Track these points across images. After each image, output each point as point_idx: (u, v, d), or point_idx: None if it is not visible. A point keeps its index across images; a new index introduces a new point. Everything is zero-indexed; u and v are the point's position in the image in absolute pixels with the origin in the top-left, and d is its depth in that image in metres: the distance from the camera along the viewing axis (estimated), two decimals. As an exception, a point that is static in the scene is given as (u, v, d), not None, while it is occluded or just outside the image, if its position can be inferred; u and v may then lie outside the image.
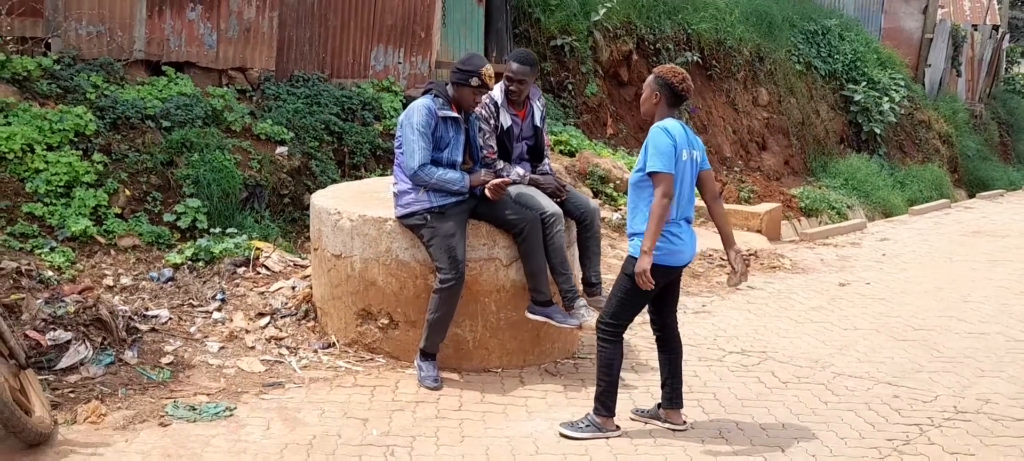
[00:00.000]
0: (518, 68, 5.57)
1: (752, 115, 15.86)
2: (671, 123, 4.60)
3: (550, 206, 5.45)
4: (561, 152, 11.09)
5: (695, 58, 14.49)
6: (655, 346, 4.97)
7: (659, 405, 4.94)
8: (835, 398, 5.38)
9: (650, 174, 4.50)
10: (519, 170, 5.61)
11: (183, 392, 5.02)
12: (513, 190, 5.55)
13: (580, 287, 5.68)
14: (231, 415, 4.78)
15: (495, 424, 4.81)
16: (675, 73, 4.65)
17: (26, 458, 4.18)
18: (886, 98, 17.77)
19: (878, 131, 17.61)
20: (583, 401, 5.17)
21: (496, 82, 5.49)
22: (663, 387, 4.92)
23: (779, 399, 5.33)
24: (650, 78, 4.73)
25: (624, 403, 5.14)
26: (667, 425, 4.87)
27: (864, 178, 15.71)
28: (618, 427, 4.75)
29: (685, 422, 4.90)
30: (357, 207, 5.68)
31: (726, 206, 11.40)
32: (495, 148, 5.60)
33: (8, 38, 7.33)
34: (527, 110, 5.72)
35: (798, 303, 7.75)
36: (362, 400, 5.05)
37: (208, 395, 5.01)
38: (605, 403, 4.73)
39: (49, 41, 7.65)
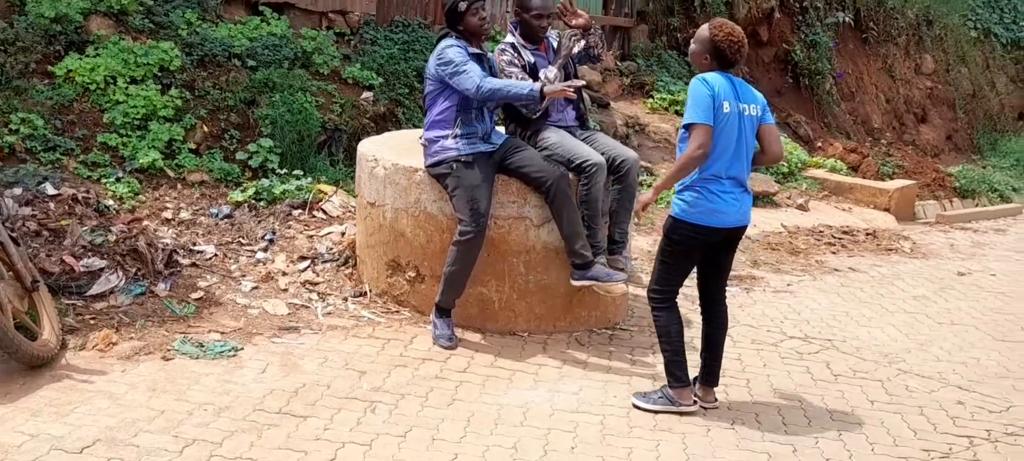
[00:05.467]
0: (541, 3, 5.28)
1: (913, 84, 14.62)
2: (713, 75, 4.22)
3: (593, 156, 5.10)
4: (680, 114, 10.56)
5: (847, 19, 13.45)
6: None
7: (696, 380, 4.57)
8: (887, 398, 4.80)
9: (685, 127, 4.20)
10: (550, 72, 5.19)
11: (200, 328, 5.05)
12: (553, 137, 5.25)
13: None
14: (235, 355, 4.77)
15: (494, 390, 4.57)
16: (730, 40, 4.20)
17: (22, 378, 4.31)
18: (1077, 71, 15.97)
19: (1064, 108, 15.88)
20: (601, 375, 4.85)
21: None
22: (701, 362, 4.57)
23: (820, 393, 4.81)
24: (704, 32, 4.30)
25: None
26: (697, 401, 4.50)
27: (1039, 159, 14.18)
28: (695, 401, 4.45)
29: (716, 400, 4.54)
30: (395, 155, 5.53)
31: (860, 180, 10.58)
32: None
33: (111, -27, 7.59)
34: (546, 45, 5.41)
35: (900, 291, 7.02)
36: (370, 353, 4.92)
37: (222, 333, 5.02)
38: (673, 373, 4.44)
39: (149, -22, 7.88)
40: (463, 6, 5.03)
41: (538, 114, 5.24)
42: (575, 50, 5.35)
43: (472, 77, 4.88)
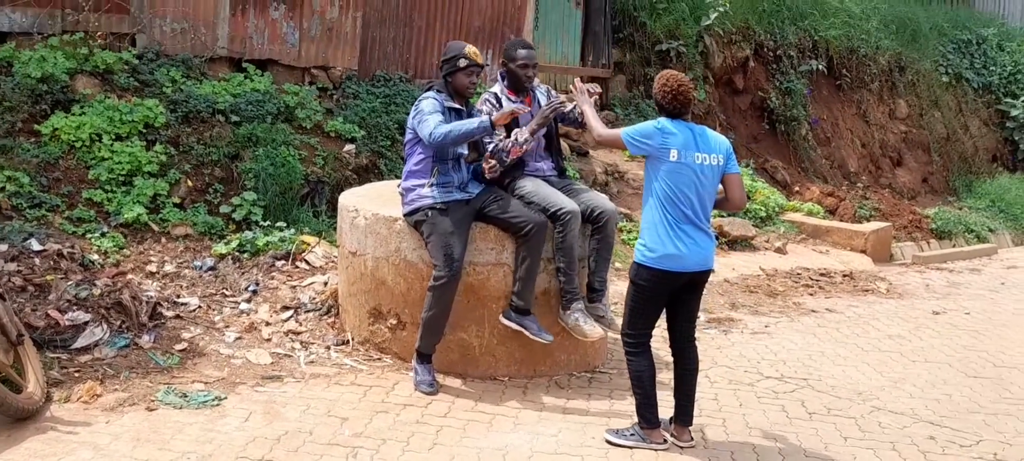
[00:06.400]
0: (526, 53, 5.47)
1: (887, 128, 14.88)
2: (673, 123, 4.44)
3: (568, 204, 5.24)
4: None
5: (820, 66, 13.73)
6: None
7: (671, 419, 4.69)
8: (860, 434, 4.90)
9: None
10: (525, 133, 5.33)
11: (183, 379, 5.11)
12: (529, 185, 5.38)
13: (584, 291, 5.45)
14: (218, 404, 4.83)
15: (474, 434, 4.65)
16: (663, 90, 4.50)
17: (7, 431, 4.35)
18: (1050, 114, 16.30)
19: (1037, 149, 16.18)
20: (579, 417, 4.93)
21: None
22: (675, 402, 4.69)
23: (795, 431, 4.90)
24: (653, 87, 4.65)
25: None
26: (673, 440, 4.61)
27: (1014, 200, 14.40)
28: (665, 439, 4.57)
29: (692, 439, 4.64)
30: (375, 205, 5.65)
31: (837, 223, 10.76)
32: (503, 135, 5.44)
33: (97, 33, 7.74)
34: (531, 98, 5.56)
35: (875, 330, 7.14)
36: (352, 399, 4.99)
37: (205, 384, 5.08)
38: (644, 416, 4.60)
39: (135, 36, 8.03)
40: (462, 63, 5.21)
41: (503, 154, 5.31)
42: (566, 109, 5.48)
43: (428, 124, 5.06)
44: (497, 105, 5.43)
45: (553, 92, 5.66)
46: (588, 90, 5.10)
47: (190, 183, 7.24)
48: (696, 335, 4.75)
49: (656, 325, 4.65)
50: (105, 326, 5.40)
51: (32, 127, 6.97)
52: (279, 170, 7.45)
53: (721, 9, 12.28)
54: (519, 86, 5.48)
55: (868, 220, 11.50)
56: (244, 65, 8.54)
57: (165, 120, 7.41)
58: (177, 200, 7.09)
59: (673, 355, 4.72)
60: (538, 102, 5.55)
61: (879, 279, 9.10)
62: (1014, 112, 16.20)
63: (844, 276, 9.05)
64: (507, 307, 5.25)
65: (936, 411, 5.32)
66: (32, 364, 4.69)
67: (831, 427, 4.98)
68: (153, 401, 4.79)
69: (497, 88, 5.52)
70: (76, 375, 5.01)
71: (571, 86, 5.14)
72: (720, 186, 4.58)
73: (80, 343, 5.26)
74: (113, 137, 7.09)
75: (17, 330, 4.65)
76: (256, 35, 8.57)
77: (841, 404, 5.35)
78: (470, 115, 5.33)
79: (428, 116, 5.08)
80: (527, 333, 5.17)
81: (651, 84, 11.89)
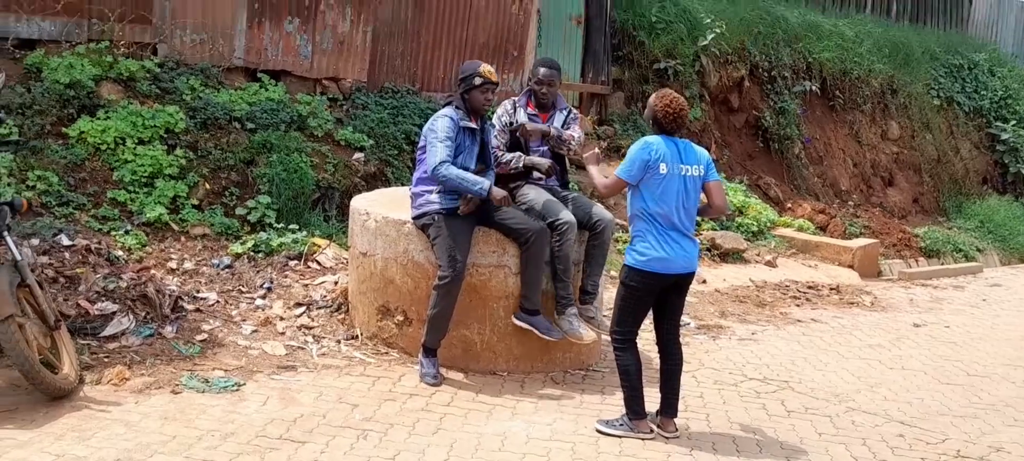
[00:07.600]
0: (545, 72, 5.87)
1: (879, 149, 15.28)
2: (655, 138, 4.81)
3: (566, 215, 5.62)
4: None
5: (814, 88, 14.13)
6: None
7: (658, 412, 5.06)
8: (834, 431, 5.26)
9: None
10: (516, 155, 5.82)
11: (205, 366, 5.48)
12: (532, 194, 5.77)
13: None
14: (238, 390, 5.20)
15: (475, 422, 5.01)
16: (666, 110, 4.85)
17: (45, 408, 4.72)
18: (1039, 138, 16.68)
19: (1026, 172, 16.57)
20: (573, 409, 5.30)
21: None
22: (661, 395, 5.06)
23: (773, 426, 5.27)
24: (650, 101, 5.00)
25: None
26: (659, 431, 4.99)
27: (1002, 221, 14.78)
28: (652, 430, 4.94)
29: (677, 430, 5.01)
30: (385, 209, 6.02)
31: (826, 239, 11.14)
32: (502, 148, 5.84)
33: (120, 42, 8.13)
34: (549, 116, 5.93)
35: (857, 340, 7.51)
36: (361, 388, 5.36)
37: (225, 371, 5.45)
38: (631, 407, 4.97)
39: (156, 46, 8.42)
40: (478, 81, 5.56)
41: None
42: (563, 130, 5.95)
43: (437, 155, 5.42)
44: (510, 111, 5.84)
45: (573, 113, 6.04)
46: (595, 155, 5.34)
47: (208, 186, 7.62)
48: (685, 339, 5.12)
49: (642, 326, 5.02)
50: (131, 316, 5.77)
51: (60, 130, 7.35)
52: (292, 176, 7.83)
53: (718, 31, 12.68)
54: (540, 102, 5.88)
55: (858, 237, 11.87)
56: (259, 75, 8.92)
57: (185, 126, 7.79)
58: (195, 202, 7.47)
59: (660, 353, 5.09)
60: (553, 119, 5.93)
61: (865, 293, 9.47)
62: (1004, 136, 16.59)
63: (831, 289, 9.42)
64: (517, 309, 5.61)
65: (908, 413, 5.68)
66: (67, 348, 5.06)
67: (807, 424, 5.34)
68: (178, 385, 5.16)
69: (516, 98, 5.94)
70: (105, 360, 5.38)
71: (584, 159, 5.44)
72: (703, 195, 4.96)
73: (108, 331, 5.63)
74: (136, 141, 7.47)
75: (54, 316, 5.02)
76: (271, 47, 8.96)
77: (818, 404, 5.71)
78: (483, 130, 5.68)
79: (438, 144, 5.43)
80: (536, 331, 5.55)
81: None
